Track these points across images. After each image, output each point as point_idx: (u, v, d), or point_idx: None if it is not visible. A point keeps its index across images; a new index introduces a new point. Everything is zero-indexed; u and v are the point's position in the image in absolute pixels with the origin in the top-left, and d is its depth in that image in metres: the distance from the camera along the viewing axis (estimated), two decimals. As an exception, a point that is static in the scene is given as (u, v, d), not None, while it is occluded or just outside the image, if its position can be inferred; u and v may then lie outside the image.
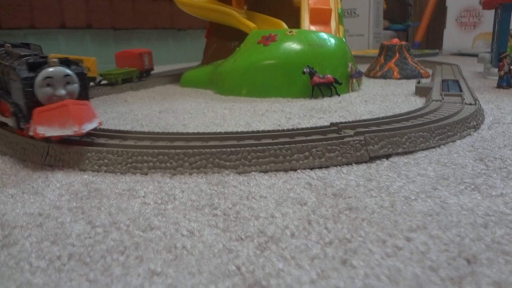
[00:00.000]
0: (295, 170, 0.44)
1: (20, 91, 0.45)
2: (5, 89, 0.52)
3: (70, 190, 0.40)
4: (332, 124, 0.52)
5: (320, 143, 0.46)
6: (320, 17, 1.08)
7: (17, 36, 1.41)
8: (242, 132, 0.50)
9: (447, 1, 2.12)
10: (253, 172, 0.44)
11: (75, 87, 0.48)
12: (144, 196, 0.39)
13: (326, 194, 0.38)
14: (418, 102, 0.83)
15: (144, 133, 0.51)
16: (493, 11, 1.26)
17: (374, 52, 1.90)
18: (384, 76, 1.26)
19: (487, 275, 0.25)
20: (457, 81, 0.94)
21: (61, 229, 0.32)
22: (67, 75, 0.47)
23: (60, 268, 0.27)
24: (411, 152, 0.49)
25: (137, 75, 1.21)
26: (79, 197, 0.39)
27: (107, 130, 0.53)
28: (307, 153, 0.45)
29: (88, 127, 0.47)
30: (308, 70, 0.89)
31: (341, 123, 0.52)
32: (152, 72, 1.33)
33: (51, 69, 0.46)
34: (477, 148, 0.50)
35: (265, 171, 0.44)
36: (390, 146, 0.48)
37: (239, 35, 1.09)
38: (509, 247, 0.28)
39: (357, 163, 0.46)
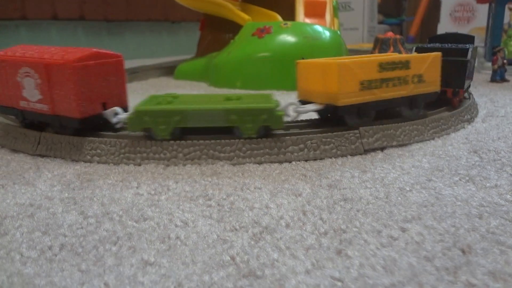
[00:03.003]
0: (290, 162, 0.44)
1: None
2: None
3: (62, 180, 0.40)
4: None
5: (315, 135, 0.46)
6: (315, 10, 1.07)
7: (9, 27, 1.38)
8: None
9: (441, -4, 2.12)
10: (248, 164, 0.43)
11: None
12: (137, 187, 0.38)
13: (321, 185, 0.38)
14: (412, 96, 0.83)
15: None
16: (487, 5, 1.26)
17: (368, 46, 1.89)
18: (378, 70, 1.26)
19: (482, 265, 0.25)
20: (451, 75, 0.94)
21: (52, 220, 0.32)
22: None
23: (52, 258, 0.27)
24: (405, 145, 0.49)
25: None
26: (71, 187, 0.38)
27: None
28: (302, 145, 0.45)
29: None
30: None
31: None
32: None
33: None
34: (471, 141, 0.50)
35: (260, 163, 0.44)
36: (384, 139, 0.48)
37: (234, 27, 1.08)
38: (504, 237, 0.28)
39: (352, 155, 0.46)
